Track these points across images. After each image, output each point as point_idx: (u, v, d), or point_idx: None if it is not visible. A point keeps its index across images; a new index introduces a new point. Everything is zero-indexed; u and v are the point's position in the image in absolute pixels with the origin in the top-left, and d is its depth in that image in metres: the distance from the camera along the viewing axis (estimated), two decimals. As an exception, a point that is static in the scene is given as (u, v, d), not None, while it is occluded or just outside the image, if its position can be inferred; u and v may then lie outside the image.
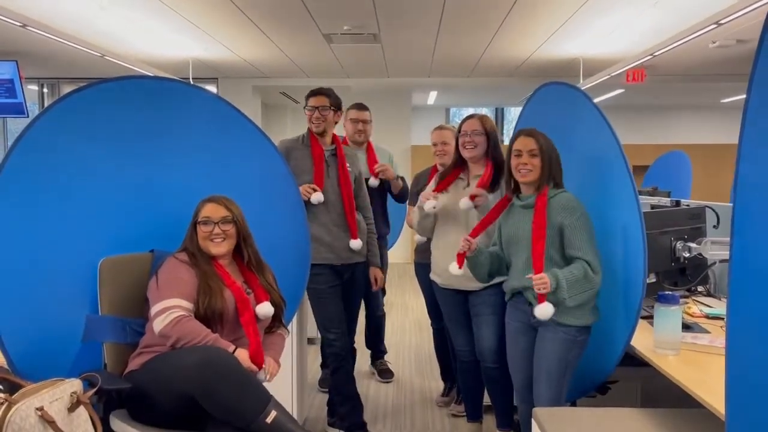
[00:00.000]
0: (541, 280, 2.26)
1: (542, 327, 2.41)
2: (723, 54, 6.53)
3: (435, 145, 3.49)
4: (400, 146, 9.06)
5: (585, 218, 2.37)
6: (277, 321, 2.36)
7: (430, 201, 2.80)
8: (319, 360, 4.09)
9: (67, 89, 7.73)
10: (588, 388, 2.56)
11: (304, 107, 3.17)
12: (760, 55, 1.20)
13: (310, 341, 4.33)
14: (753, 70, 1.21)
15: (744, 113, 1.24)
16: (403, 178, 4.09)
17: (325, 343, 3.11)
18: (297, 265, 2.83)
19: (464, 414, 3.25)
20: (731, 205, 1.30)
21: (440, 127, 3.58)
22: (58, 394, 1.68)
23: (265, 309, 2.24)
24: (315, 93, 3.14)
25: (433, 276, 3.01)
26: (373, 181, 3.68)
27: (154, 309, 2.09)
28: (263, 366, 2.14)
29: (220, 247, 2.25)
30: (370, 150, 3.93)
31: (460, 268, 2.64)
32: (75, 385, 1.76)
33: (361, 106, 3.90)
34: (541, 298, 2.30)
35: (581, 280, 2.27)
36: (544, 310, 2.30)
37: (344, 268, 3.14)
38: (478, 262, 2.55)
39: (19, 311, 2.12)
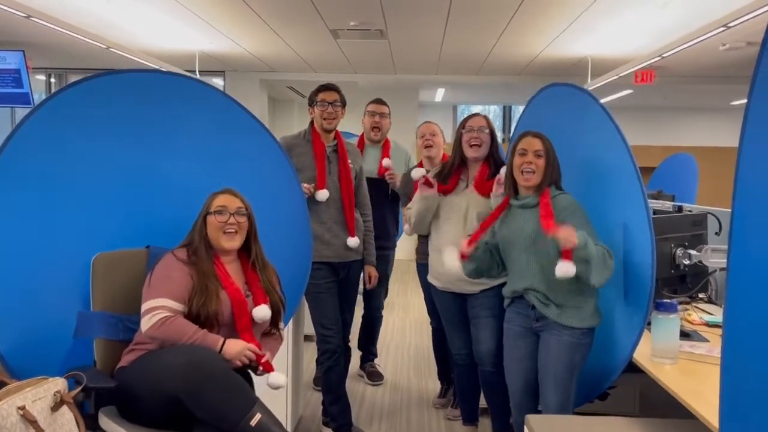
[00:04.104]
0: (568, 231, 2.14)
1: (545, 331, 2.38)
2: (733, 56, 6.46)
3: (423, 136, 3.48)
4: (406, 143, 8.97)
5: (586, 218, 2.34)
6: (274, 325, 2.30)
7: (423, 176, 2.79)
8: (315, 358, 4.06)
9: (74, 80, 7.70)
10: (591, 394, 2.52)
11: (312, 103, 3.12)
12: (762, 58, 1.17)
13: (308, 338, 4.31)
14: (755, 73, 1.17)
15: (745, 116, 1.21)
16: None
17: (320, 340, 3.09)
18: (298, 264, 2.80)
19: (460, 417, 3.23)
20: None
21: (428, 122, 3.62)
22: (41, 393, 1.66)
23: (261, 312, 2.17)
24: (326, 88, 3.12)
25: (430, 279, 2.97)
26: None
27: (142, 308, 2.07)
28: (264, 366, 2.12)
29: (233, 241, 2.20)
30: (386, 148, 3.91)
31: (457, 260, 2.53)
32: (59, 383, 1.75)
33: (380, 101, 3.91)
34: (565, 254, 2.18)
35: (604, 255, 2.20)
36: (566, 267, 2.17)
37: (341, 266, 3.12)
38: (475, 256, 2.50)
39: (9, 306, 2.11)
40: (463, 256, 2.52)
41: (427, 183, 2.78)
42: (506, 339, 2.55)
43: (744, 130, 1.21)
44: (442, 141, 3.55)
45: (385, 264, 3.85)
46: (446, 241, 2.78)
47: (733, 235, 1.24)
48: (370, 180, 3.70)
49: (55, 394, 1.70)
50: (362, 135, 3.94)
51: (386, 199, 3.78)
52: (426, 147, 3.45)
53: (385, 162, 3.73)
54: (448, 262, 2.56)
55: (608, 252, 2.22)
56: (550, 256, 2.32)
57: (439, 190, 2.82)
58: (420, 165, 3.40)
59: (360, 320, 4.09)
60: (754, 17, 4.04)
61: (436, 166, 3.02)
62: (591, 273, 2.18)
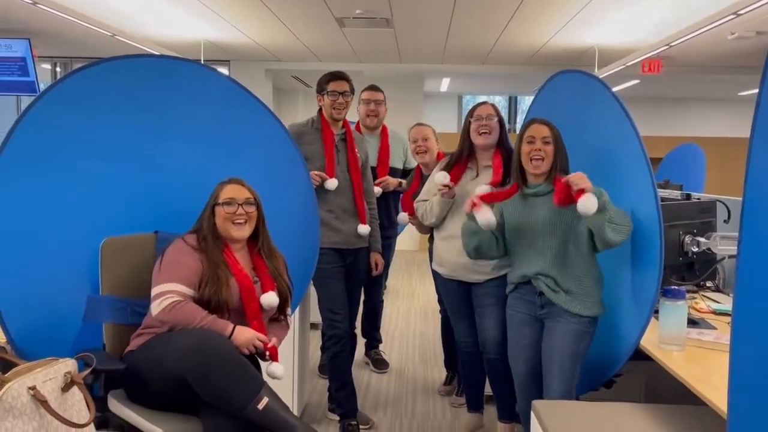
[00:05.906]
0: (578, 175, 2.18)
1: (550, 319, 2.38)
2: (741, 46, 6.42)
3: (415, 141, 3.40)
4: (411, 134, 9.00)
5: None
6: (281, 312, 2.31)
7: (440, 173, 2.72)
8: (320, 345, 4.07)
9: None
10: (597, 382, 2.52)
11: (322, 91, 3.10)
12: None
13: (314, 326, 4.32)
14: (767, 61, 1.17)
15: (757, 105, 1.20)
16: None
17: (328, 325, 3.08)
18: (305, 252, 2.79)
19: (465, 405, 3.23)
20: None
21: (419, 124, 3.52)
22: (51, 374, 1.67)
23: (269, 299, 2.18)
24: (337, 77, 3.08)
25: (435, 266, 2.96)
26: (377, 189, 3.59)
27: (153, 292, 2.07)
28: (270, 352, 2.12)
29: (242, 231, 2.20)
30: (384, 136, 3.85)
31: (468, 211, 2.45)
32: (69, 365, 1.75)
33: (374, 87, 3.83)
34: (579, 193, 2.17)
35: (620, 212, 2.22)
36: (589, 202, 2.15)
37: (348, 252, 3.12)
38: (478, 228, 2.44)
39: (20, 290, 2.12)
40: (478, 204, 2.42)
41: (449, 192, 2.75)
42: (510, 326, 2.55)
43: (756, 116, 1.21)
44: (436, 143, 3.46)
45: (387, 252, 3.85)
46: (452, 230, 2.78)
47: (744, 223, 1.23)
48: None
49: (65, 375, 1.70)
50: (358, 123, 3.86)
51: (390, 192, 3.76)
52: (418, 153, 3.40)
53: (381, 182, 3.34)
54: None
55: (623, 212, 2.23)
56: (566, 241, 2.34)
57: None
58: (418, 171, 3.40)
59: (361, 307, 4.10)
60: (764, 5, 4.00)
61: (444, 158, 2.99)
62: (608, 226, 2.18)
